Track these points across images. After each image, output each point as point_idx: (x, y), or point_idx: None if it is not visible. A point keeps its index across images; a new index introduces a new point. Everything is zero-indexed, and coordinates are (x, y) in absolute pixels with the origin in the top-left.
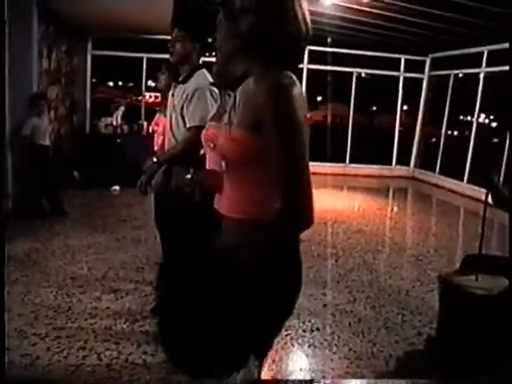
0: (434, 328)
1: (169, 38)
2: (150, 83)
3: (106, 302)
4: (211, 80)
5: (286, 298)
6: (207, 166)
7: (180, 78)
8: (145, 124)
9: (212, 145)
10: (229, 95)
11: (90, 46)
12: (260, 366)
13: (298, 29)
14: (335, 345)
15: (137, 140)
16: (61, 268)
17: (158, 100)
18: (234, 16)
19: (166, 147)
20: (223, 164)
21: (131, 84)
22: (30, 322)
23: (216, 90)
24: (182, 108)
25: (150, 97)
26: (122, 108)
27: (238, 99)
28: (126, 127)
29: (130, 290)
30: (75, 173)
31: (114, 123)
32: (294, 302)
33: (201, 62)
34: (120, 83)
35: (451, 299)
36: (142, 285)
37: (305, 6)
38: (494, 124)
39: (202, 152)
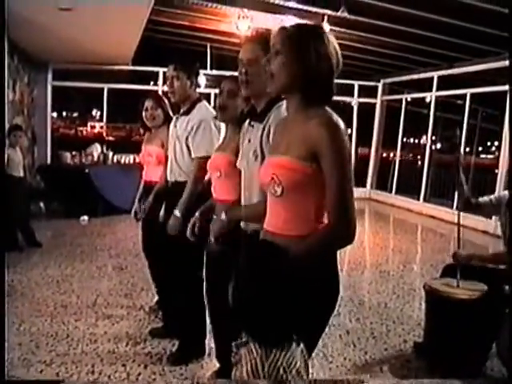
0: (417, 335)
1: (128, 68)
2: (95, 113)
3: (103, 327)
4: (213, 112)
5: (326, 300)
6: (214, 195)
7: (182, 111)
8: (110, 154)
9: (219, 174)
10: (252, 126)
11: (50, 76)
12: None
13: (333, 64)
14: (331, 355)
15: (104, 170)
16: (49, 297)
17: (103, 130)
18: (280, 57)
19: (169, 176)
20: (278, 190)
21: (76, 114)
22: (31, 350)
23: (218, 123)
24: (186, 138)
25: (94, 127)
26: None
27: (268, 130)
28: (90, 158)
29: (123, 315)
30: (41, 204)
31: (95, 154)
32: (334, 305)
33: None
34: (64, 113)
35: (436, 304)
36: (134, 310)
37: (334, 40)
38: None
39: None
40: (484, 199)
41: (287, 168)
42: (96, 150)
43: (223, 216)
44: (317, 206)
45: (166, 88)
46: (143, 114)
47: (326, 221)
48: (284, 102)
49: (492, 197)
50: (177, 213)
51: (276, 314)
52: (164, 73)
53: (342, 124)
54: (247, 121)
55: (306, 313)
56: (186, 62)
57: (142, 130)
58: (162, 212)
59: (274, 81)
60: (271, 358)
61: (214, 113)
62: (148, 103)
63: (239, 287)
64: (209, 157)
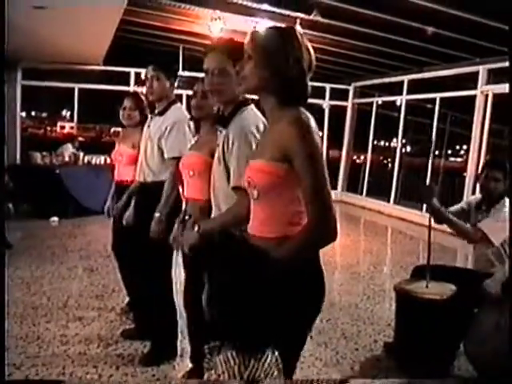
0: (387, 335)
1: (100, 68)
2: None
3: (74, 329)
4: (187, 114)
5: (313, 300)
6: (185, 194)
7: (156, 111)
8: (81, 154)
9: (192, 173)
10: (220, 131)
11: (19, 75)
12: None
13: (305, 66)
14: (302, 355)
15: (75, 171)
16: (19, 299)
17: (73, 130)
18: (253, 60)
19: (138, 176)
20: (255, 192)
21: (45, 114)
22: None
23: (192, 125)
24: (159, 139)
25: (64, 127)
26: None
27: (231, 136)
28: (61, 158)
29: (94, 317)
30: (10, 205)
31: (66, 154)
32: (321, 304)
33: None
34: (33, 113)
35: (406, 305)
36: (105, 311)
37: (307, 42)
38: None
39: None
40: (455, 209)
41: (261, 171)
42: (67, 150)
43: (196, 229)
44: (293, 207)
45: (137, 88)
46: (120, 112)
47: (303, 222)
48: (248, 108)
49: (463, 204)
50: (157, 215)
51: (257, 320)
52: (136, 73)
53: (311, 121)
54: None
55: (291, 317)
56: (166, 63)
57: (112, 131)
58: (128, 212)
59: (245, 83)
60: (249, 368)
61: (188, 115)
62: (127, 103)
63: (220, 292)
64: (181, 157)
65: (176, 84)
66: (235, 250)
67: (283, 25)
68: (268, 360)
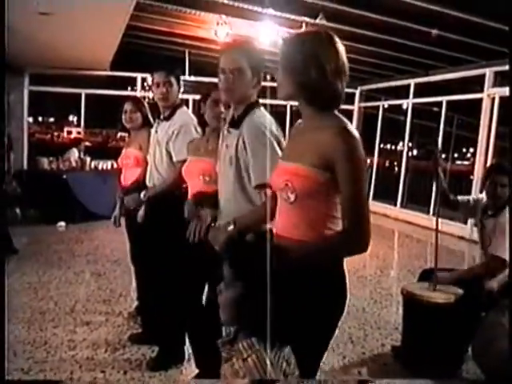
0: (394, 339)
1: (106, 73)
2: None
3: (82, 333)
4: (193, 117)
5: (336, 301)
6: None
7: (163, 115)
8: (88, 160)
9: (208, 178)
10: (229, 132)
11: (26, 81)
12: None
13: (330, 69)
14: None
15: (82, 176)
16: (26, 304)
17: (80, 135)
18: (292, 67)
19: (148, 181)
20: (292, 196)
21: (52, 119)
22: (9, 358)
23: (199, 128)
24: (167, 143)
25: (71, 132)
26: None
27: (246, 136)
28: (68, 163)
29: (102, 322)
30: (17, 210)
31: (72, 159)
32: (344, 305)
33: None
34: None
35: (413, 308)
36: (113, 316)
37: (340, 46)
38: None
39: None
40: (462, 198)
41: (301, 175)
42: (73, 155)
43: (231, 227)
44: (328, 213)
45: (143, 93)
46: (123, 116)
47: (336, 228)
48: (260, 108)
49: (470, 198)
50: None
51: (285, 314)
52: (142, 78)
53: (357, 134)
54: (225, 126)
55: (313, 317)
56: (175, 68)
57: (119, 136)
58: (140, 212)
59: (280, 91)
60: (274, 350)
61: (195, 118)
62: (127, 106)
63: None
64: None
65: (181, 89)
66: (266, 248)
67: (310, 29)
68: (287, 349)
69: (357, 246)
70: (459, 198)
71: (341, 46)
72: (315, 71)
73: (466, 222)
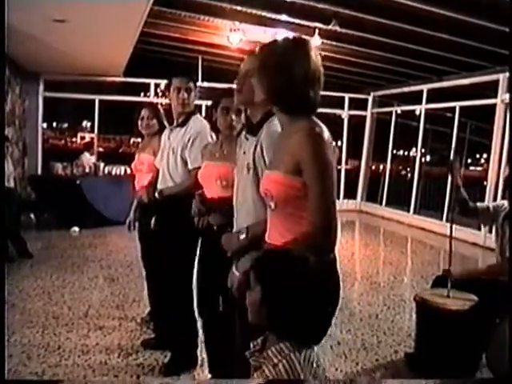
0: (408, 346)
1: (120, 79)
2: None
3: (95, 338)
4: (207, 124)
5: (330, 299)
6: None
7: (177, 122)
8: (101, 165)
9: (225, 182)
10: (247, 138)
11: (41, 87)
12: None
13: (299, 74)
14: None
15: (95, 181)
16: (40, 308)
17: (93, 141)
18: (269, 76)
19: (160, 185)
20: (272, 204)
21: (66, 125)
22: (23, 361)
23: (214, 135)
24: (182, 150)
25: (84, 138)
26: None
27: (264, 143)
28: (81, 169)
29: (115, 327)
30: (32, 215)
31: (85, 164)
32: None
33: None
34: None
35: (427, 315)
36: (126, 321)
37: (315, 52)
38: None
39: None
40: (482, 205)
41: (277, 183)
42: (86, 158)
43: (243, 236)
44: (309, 219)
45: (156, 99)
46: (139, 122)
47: None
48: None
49: (490, 204)
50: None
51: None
52: (156, 84)
53: (324, 133)
54: (243, 133)
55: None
56: (192, 75)
57: (132, 141)
58: (153, 220)
59: (255, 96)
60: (303, 354)
61: (208, 125)
62: (144, 112)
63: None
64: None
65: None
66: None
67: (300, 35)
68: (314, 350)
69: (319, 245)
70: (478, 205)
71: (314, 54)
72: (284, 78)
73: (479, 229)
